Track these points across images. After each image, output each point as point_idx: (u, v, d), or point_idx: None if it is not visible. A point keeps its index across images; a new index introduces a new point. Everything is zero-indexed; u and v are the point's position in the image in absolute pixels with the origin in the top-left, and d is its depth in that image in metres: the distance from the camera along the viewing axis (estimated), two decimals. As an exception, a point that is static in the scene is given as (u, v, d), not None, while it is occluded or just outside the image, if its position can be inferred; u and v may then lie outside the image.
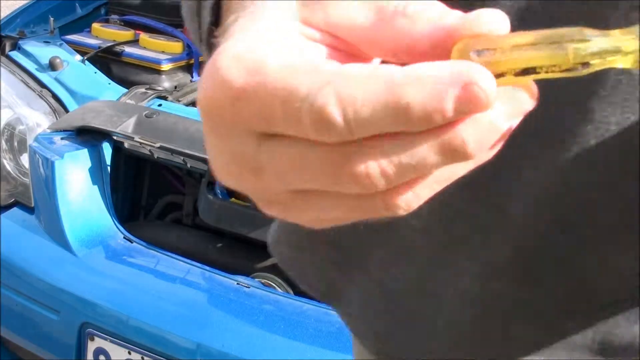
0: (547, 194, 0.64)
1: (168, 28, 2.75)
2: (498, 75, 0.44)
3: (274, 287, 2.03)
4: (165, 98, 2.40)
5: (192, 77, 2.65)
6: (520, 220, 0.66)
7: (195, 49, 2.70)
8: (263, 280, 2.04)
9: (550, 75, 0.46)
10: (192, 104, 2.52)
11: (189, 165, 2.16)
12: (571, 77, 0.47)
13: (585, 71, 0.47)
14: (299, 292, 2.02)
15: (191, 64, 2.68)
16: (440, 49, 0.43)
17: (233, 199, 2.14)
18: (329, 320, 1.94)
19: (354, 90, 0.40)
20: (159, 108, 2.31)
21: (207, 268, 2.05)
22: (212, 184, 2.13)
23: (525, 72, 0.46)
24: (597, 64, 0.47)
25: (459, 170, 0.44)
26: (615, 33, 0.47)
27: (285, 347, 1.93)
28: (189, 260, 2.08)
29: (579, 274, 0.66)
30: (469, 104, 0.41)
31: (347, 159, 0.41)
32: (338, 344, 1.91)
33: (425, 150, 0.41)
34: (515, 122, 0.44)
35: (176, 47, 2.66)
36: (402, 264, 0.74)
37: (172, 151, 2.13)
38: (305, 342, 1.92)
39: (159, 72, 2.60)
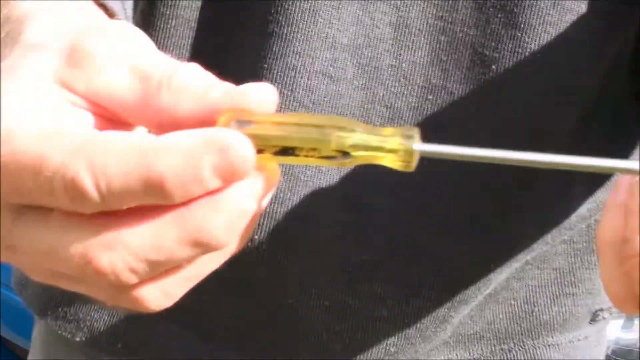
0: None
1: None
2: (258, 151, 0.43)
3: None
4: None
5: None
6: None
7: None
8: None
9: (309, 161, 0.46)
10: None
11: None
12: None
13: (347, 162, 0.47)
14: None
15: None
16: (207, 124, 0.42)
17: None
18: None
19: (108, 159, 0.38)
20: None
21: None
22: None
23: (285, 151, 0.45)
24: (359, 157, 0.47)
25: (211, 264, 0.42)
26: (387, 131, 0.47)
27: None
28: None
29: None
30: (226, 170, 0.39)
31: (93, 252, 0.39)
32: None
33: (174, 243, 0.39)
34: (263, 203, 0.43)
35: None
36: None
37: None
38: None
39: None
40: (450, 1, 0.64)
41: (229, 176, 0.40)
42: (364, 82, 0.66)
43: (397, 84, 0.66)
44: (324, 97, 0.66)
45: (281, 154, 0.45)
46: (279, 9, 0.64)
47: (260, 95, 0.42)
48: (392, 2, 0.65)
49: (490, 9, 0.64)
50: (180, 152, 0.38)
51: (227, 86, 0.42)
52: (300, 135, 0.46)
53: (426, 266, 0.69)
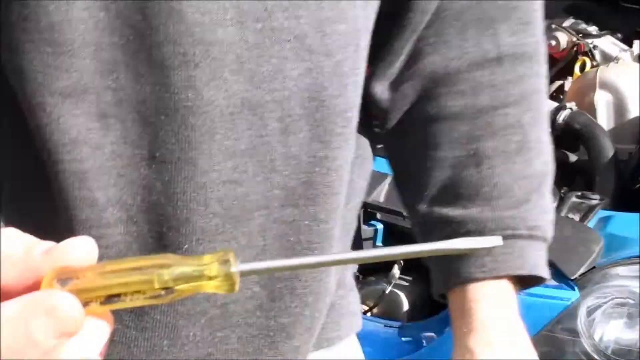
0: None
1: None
2: (85, 304, 0.45)
3: (274, 287, 2.03)
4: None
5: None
6: None
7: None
8: (263, 280, 2.04)
9: (137, 303, 0.48)
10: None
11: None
12: None
13: (171, 297, 0.48)
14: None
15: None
16: (35, 287, 0.43)
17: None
18: (329, 320, 1.94)
19: None
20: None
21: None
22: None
23: (110, 299, 0.47)
24: (184, 289, 0.48)
25: None
26: (206, 259, 0.49)
27: (285, 347, 1.93)
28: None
29: None
30: (57, 330, 0.41)
31: None
32: (338, 344, 1.91)
33: None
34: (101, 349, 0.45)
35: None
36: None
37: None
38: (305, 342, 1.93)
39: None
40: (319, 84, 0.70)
41: (62, 334, 0.41)
42: (263, 175, 0.70)
43: (289, 168, 0.70)
44: (234, 202, 0.69)
45: (108, 302, 0.47)
46: (179, 136, 0.67)
47: (79, 250, 0.44)
48: (278, 102, 0.68)
49: None
50: (9, 321, 0.40)
51: (46, 246, 0.44)
52: (122, 280, 0.47)
53: None
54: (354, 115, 0.74)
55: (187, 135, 0.67)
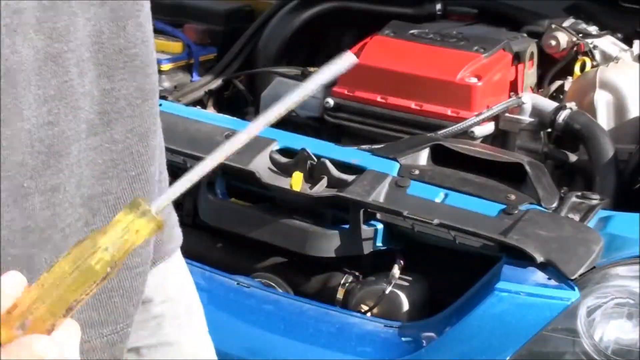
0: None
1: (168, 28, 2.75)
2: (51, 327, 0.50)
3: (274, 287, 2.03)
4: (165, 98, 2.40)
5: (192, 77, 2.65)
6: None
7: (195, 49, 2.70)
8: (263, 280, 2.04)
9: (93, 293, 0.51)
10: (192, 104, 2.52)
11: (189, 165, 2.16)
12: None
13: (116, 270, 0.52)
14: (299, 292, 2.03)
15: (191, 63, 2.67)
16: None
17: (233, 199, 2.14)
18: (329, 320, 1.94)
19: None
20: (159, 108, 2.31)
21: (207, 268, 2.05)
22: (212, 184, 2.13)
23: (70, 308, 0.51)
24: (122, 257, 0.51)
25: None
26: (120, 220, 0.52)
27: (285, 347, 1.93)
28: (189, 260, 2.07)
29: None
30: None
31: None
32: (338, 344, 1.91)
33: None
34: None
35: (176, 47, 2.66)
36: None
37: (172, 151, 2.13)
38: (305, 342, 1.92)
39: (159, 72, 2.59)
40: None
41: None
42: (72, 114, 0.80)
43: (87, 103, 0.82)
44: (53, 140, 0.79)
45: (70, 310, 0.51)
46: None
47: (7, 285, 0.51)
48: (73, 51, 0.80)
49: None
50: None
51: None
52: (70, 288, 0.50)
53: None
54: (139, 51, 0.86)
55: (5, 89, 0.75)
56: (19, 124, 0.76)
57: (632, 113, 2.36)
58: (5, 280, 0.52)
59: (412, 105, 2.31)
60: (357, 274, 2.02)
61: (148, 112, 0.90)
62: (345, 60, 0.59)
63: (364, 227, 1.96)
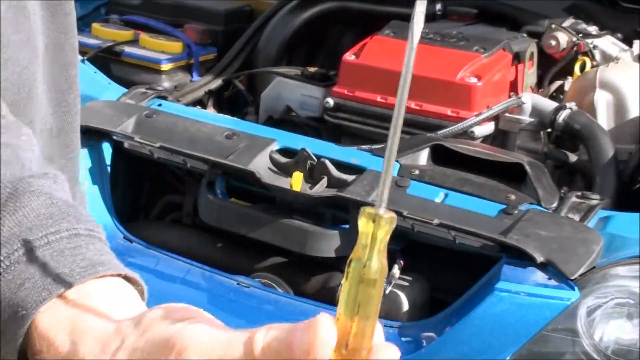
0: None
1: (168, 28, 2.75)
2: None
3: (274, 287, 2.03)
4: (165, 98, 2.40)
5: (192, 77, 2.65)
6: None
7: (195, 49, 2.70)
8: (263, 280, 2.04)
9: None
10: (192, 104, 2.52)
11: (189, 165, 2.16)
12: None
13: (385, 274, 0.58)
14: (299, 292, 2.03)
15: (191, 63, 2.67)
16: None
17: (233, 199, 2.14)
18: (329, 320, 1.94)
19: None
20: (159, 108, 2.31)
21: (207, 268, 2.05)
22: (212, 184, 2.13)
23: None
24: (381, 254, 0.57)
25: None
26: (362, 229, 0.58)
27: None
28: (189, 260, 2.08)
29: None
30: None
31: None
32: (338, 344, 1.91)
33: None
34: None
35: (176, 47, 2.66)
36: None
37: (172, 151, 2.13)
38: (305, 342, 1.92)
39: (158, 72, 2.60)
40: None
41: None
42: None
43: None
44: None
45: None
46: None
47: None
48: None
49: None
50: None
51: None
52: (371, 315, 0.56)
53: None
54: None
55: None
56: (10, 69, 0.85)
57: (632, 113, 2.36)
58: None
59: (412, 105, 2.31)
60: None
61: (70, 46, 1.01)
62: None
63: (364, 227, 1.96)
